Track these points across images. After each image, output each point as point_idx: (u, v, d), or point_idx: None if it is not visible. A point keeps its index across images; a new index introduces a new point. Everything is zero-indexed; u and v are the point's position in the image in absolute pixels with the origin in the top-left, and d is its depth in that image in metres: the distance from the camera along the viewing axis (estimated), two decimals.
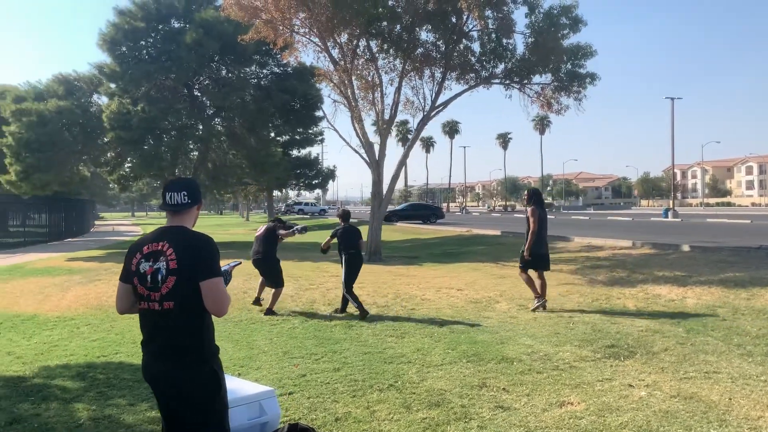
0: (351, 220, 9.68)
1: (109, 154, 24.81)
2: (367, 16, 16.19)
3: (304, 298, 10.56)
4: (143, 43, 22.15)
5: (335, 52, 17.57)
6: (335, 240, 9.37)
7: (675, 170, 71.75)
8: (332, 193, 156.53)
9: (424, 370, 5.96)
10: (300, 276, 13.64)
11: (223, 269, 3.12)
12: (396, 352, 6.67)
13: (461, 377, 5.69)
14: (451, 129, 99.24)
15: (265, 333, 7.85)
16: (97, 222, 63.83)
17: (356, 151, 17.69)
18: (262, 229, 9.97)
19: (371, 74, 17.73)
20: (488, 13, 15.88)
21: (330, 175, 45.14)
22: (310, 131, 39.49)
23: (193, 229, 3.05)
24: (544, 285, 9.10)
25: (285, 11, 15.77)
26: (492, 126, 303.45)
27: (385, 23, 17.13)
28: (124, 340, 7.52)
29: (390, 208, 49.27)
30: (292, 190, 48.07)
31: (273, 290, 9.51)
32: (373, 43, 17.86)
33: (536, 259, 9.06)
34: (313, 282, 12.52)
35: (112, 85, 22.44)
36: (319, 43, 17.19)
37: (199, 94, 24.63)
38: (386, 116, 17.67)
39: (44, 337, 7.86)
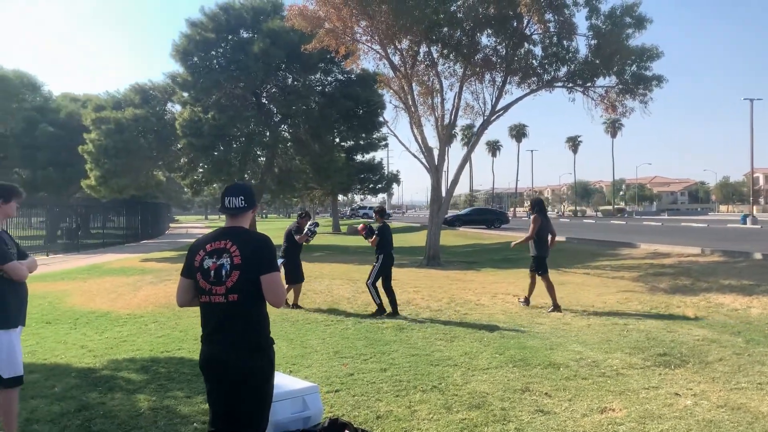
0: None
1: (182, 160, 25.95)
2: (427, 23, 16.35)
3: (359, 301, 10.79)
4: (213, 53, 23.12)
5: (396, 59, 17.83)
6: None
7: (757, 174, 68.28)
8: (397, 197, 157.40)
9: (468, 373, 6.05)
10: (359, 279, 13.91)
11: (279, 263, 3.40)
12: (443, 355, 6.79)
13: (505, 381, 5.76)
14: (518, 132, 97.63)
15: (319, 333, 8.12)
16: (171, 224, 66.69)
17: (415, 156, 17.89)
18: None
19: (431, 80, 17.88)
20: (549, 16, 15.75)
21: (393, 179, 45.60)
22: (374, 136, 40.04)
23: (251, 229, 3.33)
24: (533, 286, 10.11)
25: (347, 20, 16.14)
26: (561, 129, 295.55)
27: (445, 29, 17.23)
28: (186, 337, 7.94)
29: (453, 212, 49.34)
30: (356, 194, 48.59)
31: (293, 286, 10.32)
32: (433, 49, 18.00)
33: (540, 262, 9.87)
34: None
35: (185, 94, 23.52)
36: (380, 50, 17.47)
37: (266, 102, 25.44)
38: (445, 121, 17.76)
39: (115, 332, 8.41)
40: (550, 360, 6.49)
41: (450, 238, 30.91)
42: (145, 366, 6.44)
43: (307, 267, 15.76)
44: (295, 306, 10.22)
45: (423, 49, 18.05)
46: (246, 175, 26.36)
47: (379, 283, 9.61)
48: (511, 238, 28.26)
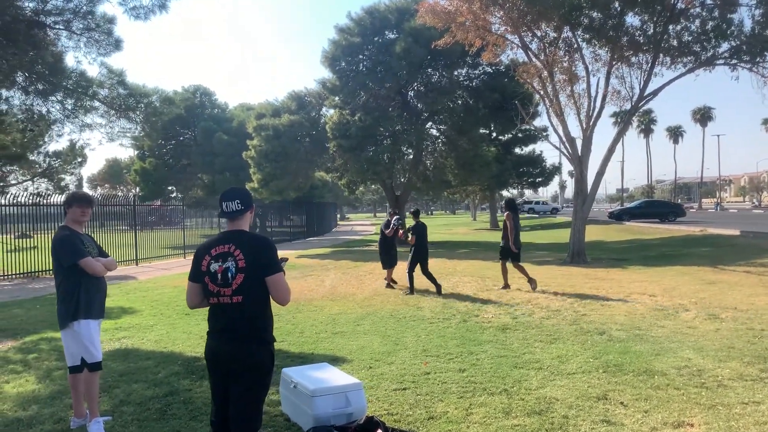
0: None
1: (336, 162, 27.20)
2: (567, 7, 15.55)
3: (478, 299, 10.59)
4: (360, 57, 23.93)
5: (534, 47, 17.17)
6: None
7: None
8: (570, 191, 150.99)
9: (549, 378, 5.72)
10: (489, 277, 13.66)
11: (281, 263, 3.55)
12: (533, 358, 6.47)
13: (584, 388, 5.36)
14: (703, 116, 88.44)
15: (419, 330, 8.12)
16: (340, 222, 70.13)
17: (557, 147, 17.11)
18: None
19: (572, 66, 16.96)
20: None
21: (554, 171, 43.79)
22: (532, 128, 38.80)
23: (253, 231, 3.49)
24: (514, 270, 11.69)
25: (478, 13, 15.87)
26: (754, 110, 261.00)
27: (586, 12, 16.25)
28: (295, 330, 8.38)
29: (616, 206, 46.17)
30: (514, 188, 47.46)
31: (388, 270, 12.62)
32: (575, 34, 17.05)
33: (509, 252, 11.53)
34: (499, 283, 12.44)
35: (335, 98, 24.63)
36: (516, 40, 16.94)
37: (411, 100, 25.80)
38: (589, 109, 16.75)
39: None
40: (648, 367, 5.92)
41: (611, 233, 29.08)
42: None
43: (444, 263, 15.89)
44: (390, 284, 12.47)
45: (564, 34, 17.18)
46: (394, 173, 27.00)
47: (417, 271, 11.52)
48: (676, 233, 25.94)
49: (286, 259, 3.71)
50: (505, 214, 11.86)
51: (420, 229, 11.64)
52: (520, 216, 61.47)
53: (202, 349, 6.99)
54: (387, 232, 12.51)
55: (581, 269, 15.07)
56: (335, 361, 6.58)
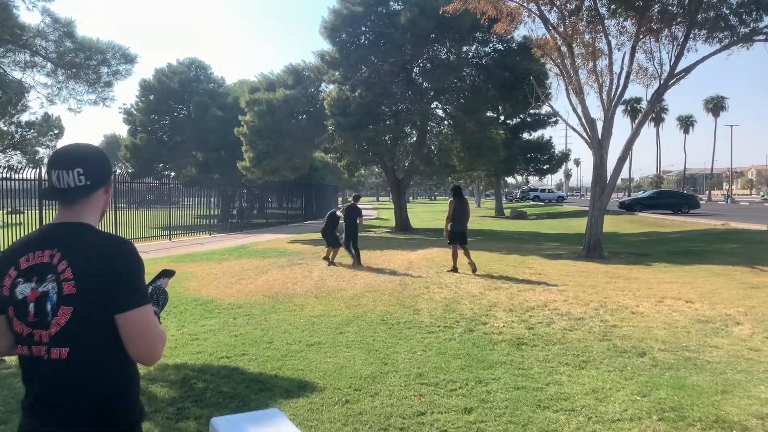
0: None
1: (335, 142, 25.55)
2: None
3: (485, 300, 9.04)
4: (363, 28, 22.17)
5: (552, 17, 15.48)
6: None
7: None
8: (576, 179, 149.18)
9: (588, 427, 4.20)
10: (496, 271, 12.13)
11: (152, 287, 2.01)
12: (560, 392, 4.95)
13: None
14: (716, 105, 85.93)
15: (414, 342, 6.60)
16: (340, 205, 68.60)
17: (575, 130, 15.45)
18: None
19: (595, 39, 15.28)
20: None
21: (564, 158, 42.12)
22: (540, 112, 37.04)
23: (101, 228, 1.94)
24: (465, 254, 12.10)
25: None
26: (764, 101, 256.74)
27: None
28: (262, 338, 6.87)
29: (628, 195, 44.61)
30: (520, 175, 45.80)
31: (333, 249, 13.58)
32: (599, 3, 15.36)
33: (455, 236, 12.03)
34: (509, 280, 10.92)
35: (335, 73, 22.95)
36: (534, 8, 15.24)
37: (416, 77, 24.07)
38: (612, 88, 15.09)
39: (197, 327, 7.59)
40: (718, 413, 4.40)
41: (624, 224, 27.46)
42: (185, 378, 5.41)
43: (446, 254, 14.27)
44: (331, 263, 13.32)
45: (586, 2, 15.49)
46: (397, 154, 25.42)
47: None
48: (695, 226, 24.29)
49: (170, 274, 2.16)
50: (449, 201, 12.50)
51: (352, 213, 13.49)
52: (525, 204, 59.82)
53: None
54: (339, 212, 14.18)
55: (599, 265, 13.50)
56: (302, 389, 5.07)
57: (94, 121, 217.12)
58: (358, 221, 13.55)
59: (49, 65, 13.56)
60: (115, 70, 14.49)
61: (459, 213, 12.10)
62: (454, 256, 12.12)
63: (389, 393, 4.97)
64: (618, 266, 13.24)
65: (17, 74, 14.01)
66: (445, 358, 5.96)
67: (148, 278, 1.90)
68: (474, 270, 11.79)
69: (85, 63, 13.46)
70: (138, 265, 1.79)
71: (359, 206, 13.89)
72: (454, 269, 12.01)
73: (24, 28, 12.73)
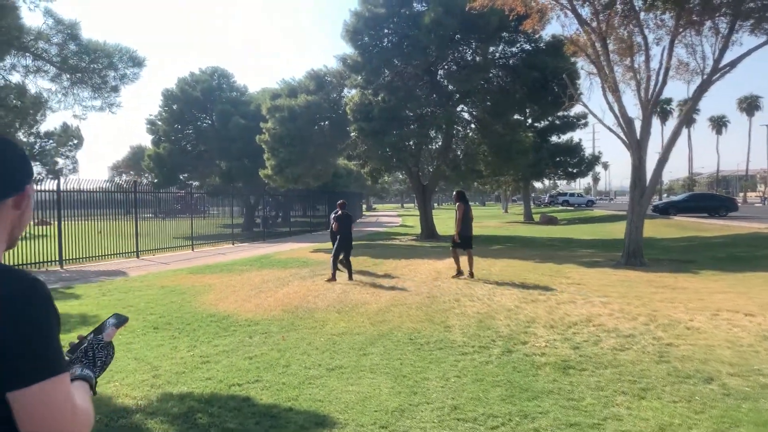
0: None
1: (359, 148, 24.92)
2: None
3: (522, 315, 8.28)
4: (386, 30, 21.53)
5: (585, 11, 14.67)
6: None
7: None
8: (604, 183, 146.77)
9: None
10: (531, 281, 11.36)
11: (88, 342, 1.42)
12: (621, 431, 4.20)
13: None
14: (750, 105, 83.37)
15: (447, 366, 5.89)
16: (366, 213, 68.09)
17: (611, 130, 14.59)
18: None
19: (631, 34, 14.44)
20: None
21: (594, 161, 40.99)
22: (570, 114, 36.06)
23: (6, 263, 1.29)
24: (470, 260, 12.02)
25: None
26: None
27: None
28: (279, 361, 6.22)
29: (660, 199, 43.23)
30: (550, 179, 44.74)
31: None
32: None
33: (463, 240, 12.04)
34: (546, 291, 10.15)
35: (357, 77, 22.34)
36: (565, 2, 14.45)
37: (441, 80, 23.33)
38: (650, 85, 14.22)
39: (210, 347, 6.95)
40: None
41: (661, 228, 26.35)
42: (189, 410, 4.76)
43: (477, 263, 13.51)
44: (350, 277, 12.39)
45: None
46: (421, 160, 24.71)
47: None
48: (739, 230, 23.07)
49: (123, 320, 1.52)
50: (456, 205, 12.48)
51: (345, 220, 12.63)
52: (554, 208, 58.62)
53: (142, 392, 4.62)
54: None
55: (641, 273, 12.63)
56: (319, 425, 4.41)
57: (122, 132, 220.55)
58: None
59: (52, 69, 13.15)
60: (122, 74, 14.01)
61: (467, 217, 12.27)
62: (457, 260, 12.24)
63: (420, 430, 4.27)
64: (662, 274, 12.36)
65: (15, 78, 13.65)
66: (483, 386, 5.23)
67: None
68: (471, 276, 11.95)
69: (90, 66, 12.99)
70: (46, 320, 1.14)
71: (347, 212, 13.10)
72: (459, 273, 12.11)
73: (24, 29, 12.28)
